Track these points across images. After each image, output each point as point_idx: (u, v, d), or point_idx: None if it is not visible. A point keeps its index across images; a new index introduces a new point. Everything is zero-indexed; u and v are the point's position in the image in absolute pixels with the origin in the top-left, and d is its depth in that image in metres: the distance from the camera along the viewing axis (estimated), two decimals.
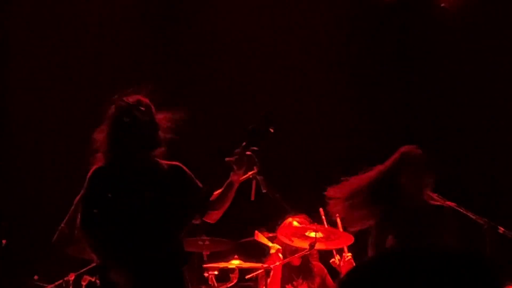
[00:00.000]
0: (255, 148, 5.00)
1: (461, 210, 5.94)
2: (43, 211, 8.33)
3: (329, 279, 6.92)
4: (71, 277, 7.00)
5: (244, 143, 5.00)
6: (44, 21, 8.94)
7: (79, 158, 6.67)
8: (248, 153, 4.98)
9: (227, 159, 4.97)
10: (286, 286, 6.77)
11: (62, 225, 5.95)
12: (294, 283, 6.81)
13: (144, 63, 8.97)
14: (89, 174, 4.85)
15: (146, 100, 4.94)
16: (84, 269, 7.01)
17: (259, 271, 6.33)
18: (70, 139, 8.40)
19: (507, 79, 8.89)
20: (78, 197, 5.15)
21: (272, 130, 5.06)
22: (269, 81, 9.17)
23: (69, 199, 5.99)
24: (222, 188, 5.06)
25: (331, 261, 6.74)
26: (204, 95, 9.07)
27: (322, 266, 6.94)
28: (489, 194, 8.48)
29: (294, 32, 9.31)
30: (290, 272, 6.80)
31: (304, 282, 6.83)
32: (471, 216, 5.92)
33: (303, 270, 6.86)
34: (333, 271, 6.80)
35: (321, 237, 6.40)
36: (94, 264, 6.78)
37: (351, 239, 6.39)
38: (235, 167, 4.95)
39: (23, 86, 8.89)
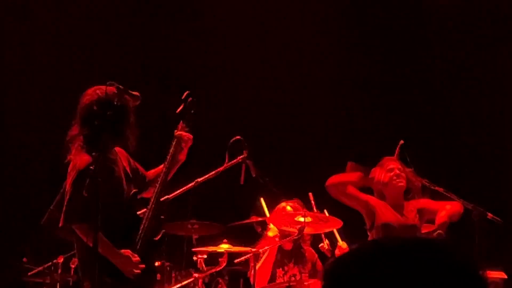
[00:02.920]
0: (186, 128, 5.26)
1: (450, 196, 5.97)
2: (32, 193, 8.31)
3: (319, 264, 6.94)
4: (60, 259, 7.01)
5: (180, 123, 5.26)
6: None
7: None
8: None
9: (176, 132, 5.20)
10: (277, 270, 6.79)
11: (52, 207, 5.93)
12: (285, 267, 6.82)
13: (133, 61, 8.96)
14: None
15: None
16: (73, 252, 7.02)
17: (248, 255, 6.34)
18: (57, 124, 8.36)
19: (493, 74, 8.96)
20: (69, 180, 5.14)
21: (193, 112, 5.31)
22: (260, 74, 9.16)
23: (58, 181, 5.97)
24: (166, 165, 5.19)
25: (320, 245, 6.77)
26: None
27: (313, 251, 6.96)
28: (478, 180, 8.53)
29: (285, 28, 9.29)
30: (282, 257, 6.82)
31: (295, 267, 6.85)
32: (460, 201, 5.95)
33: (294, 254, 6.87)
34: (323, 256, 6.82)
35: (310, 222, 6.42)
36: None
37: (339, 223, 6.42)
38: (182, 145, 5.18)
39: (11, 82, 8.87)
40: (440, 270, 1.45)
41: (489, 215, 5.95)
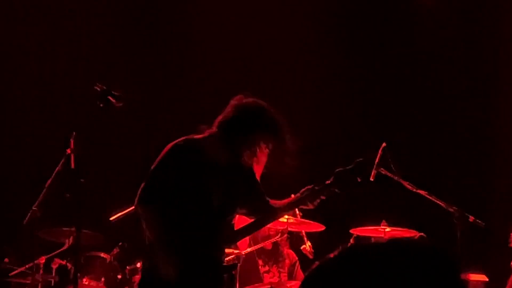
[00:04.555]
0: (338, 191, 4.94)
1: (432, 199, 5.98)
2: (13, 193, 8.28)
3: (298, 267, 7.01)
4: (42, 260, 6.98)
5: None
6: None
7: (50, 141, 6.62)
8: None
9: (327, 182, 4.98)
10: (259, 260, 6.87)
11: (34, 207, 5.90)
12: (266, 262, 6.92)
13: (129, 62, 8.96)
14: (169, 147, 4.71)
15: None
16: (55, 252, 7.00)
17: (230, 256, 6.34)
18: (40, 125, 8.36)
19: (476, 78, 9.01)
20: (49, 181, 5.11)
21: (359, 180, 4.98)
22: (252, 76, 9.16)
23: (40, 181, 5.95)
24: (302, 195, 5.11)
25: (302, 247, 6.78)
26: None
27: (294, 254, 7.03)
28: (460, 183, 8.55)
29: (273, 29, 9.30)
30: (263, 254, 6.91)
31: (274, 266, 6.93)
32: (442, 204, 5.96)
33: (274, 254, 6.96)
34: (304, 258, 6.83)
35: (292, 222, 6.45)
36: (65, 248, 6.78)
37: (322, 227, 6.45)
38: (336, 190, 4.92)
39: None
40: (420, 272, 1.45)
41: (471, 218, 5.96)
